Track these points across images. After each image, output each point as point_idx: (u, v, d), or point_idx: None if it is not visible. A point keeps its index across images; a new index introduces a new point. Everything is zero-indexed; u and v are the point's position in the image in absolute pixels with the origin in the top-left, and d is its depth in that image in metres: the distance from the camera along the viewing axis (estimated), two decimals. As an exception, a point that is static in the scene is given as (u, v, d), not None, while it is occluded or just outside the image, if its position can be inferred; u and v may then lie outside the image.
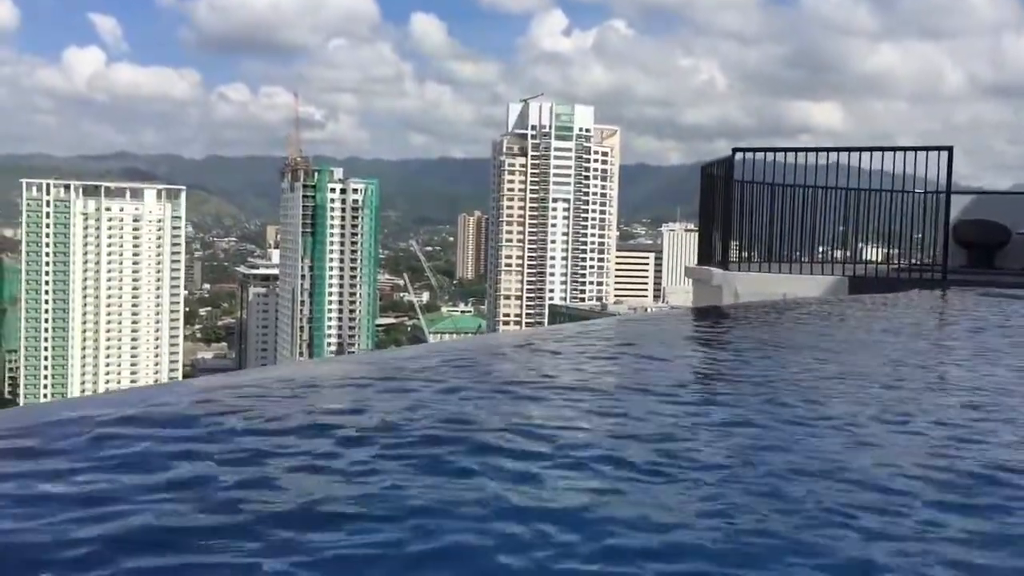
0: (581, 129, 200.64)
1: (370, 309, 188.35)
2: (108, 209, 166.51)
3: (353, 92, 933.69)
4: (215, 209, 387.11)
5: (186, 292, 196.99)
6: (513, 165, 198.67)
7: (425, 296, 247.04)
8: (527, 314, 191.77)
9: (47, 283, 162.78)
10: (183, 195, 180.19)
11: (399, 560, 2.44)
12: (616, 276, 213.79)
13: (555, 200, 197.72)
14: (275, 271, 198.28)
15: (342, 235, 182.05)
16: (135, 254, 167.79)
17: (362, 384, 4.72)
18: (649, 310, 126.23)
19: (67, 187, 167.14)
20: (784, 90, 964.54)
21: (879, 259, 15.36)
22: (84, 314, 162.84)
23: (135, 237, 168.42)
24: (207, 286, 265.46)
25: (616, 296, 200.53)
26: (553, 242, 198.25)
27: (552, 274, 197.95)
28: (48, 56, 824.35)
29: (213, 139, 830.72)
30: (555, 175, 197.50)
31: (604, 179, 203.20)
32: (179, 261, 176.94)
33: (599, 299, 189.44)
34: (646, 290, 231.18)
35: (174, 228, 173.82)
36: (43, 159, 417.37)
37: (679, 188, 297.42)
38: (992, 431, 4.20)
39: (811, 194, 14.03)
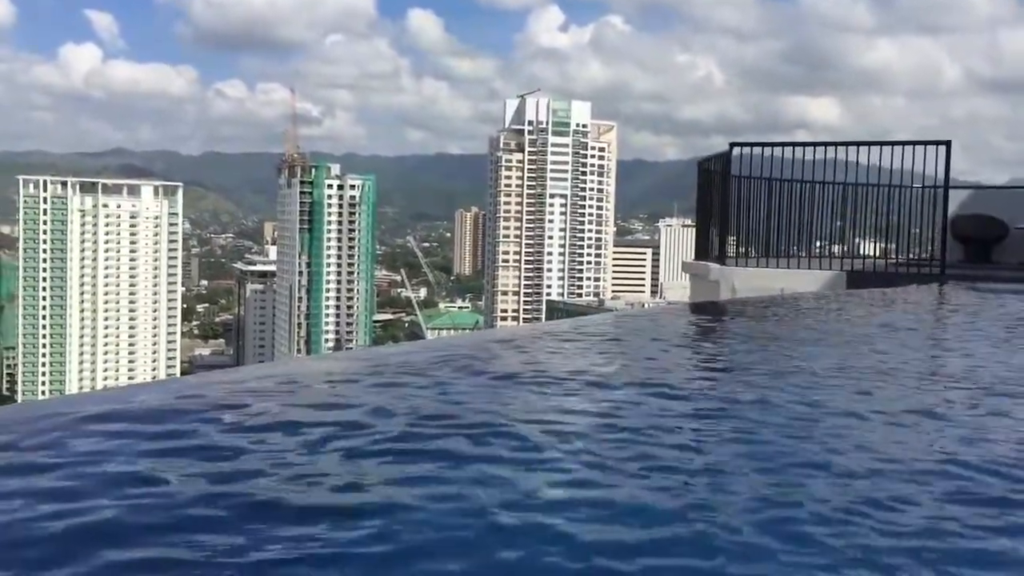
0: (578, 125, 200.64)
1: (367, 305, 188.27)
2: (105, 206, 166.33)
3: (350, 88, 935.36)
4: (212, 205, 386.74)
5: (183, 289, 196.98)
6: (510, 161, 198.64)
7: (423, 292, 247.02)
8: (524, 310, 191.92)
9: (44, 280, 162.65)
10: (180, 192, 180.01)
11: (376, 557, 2.42)
12: (613, 272, 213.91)
13: (552, 196, 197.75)
14: (272, 267, 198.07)
15: (339, 231, 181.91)
16: (132, 251, 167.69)
17: (351, 380, 4.66)
18: (646, 306, 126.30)
19: (64, 184, 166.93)
20: (781, 86, 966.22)
21: (877, 254, 15.31)
22: (82, 311, 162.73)
23: (132, 234, 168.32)
24: (204, 283, 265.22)
25: (613, 292, 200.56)
26: (550, 238, 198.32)
27: (549, 270, 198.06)
28: (45, 53, 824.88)
29: (210, 135, 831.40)
30: (552, 171, 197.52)
31: (601, 175, 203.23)
32: (176, 258, 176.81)
33: (596, 295, 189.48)
34: (643, 286, 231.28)
35: (171, 225, 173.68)
36: (40, 156, 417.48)
37: (676, 184, 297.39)
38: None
39: (808, 189, 13.99)
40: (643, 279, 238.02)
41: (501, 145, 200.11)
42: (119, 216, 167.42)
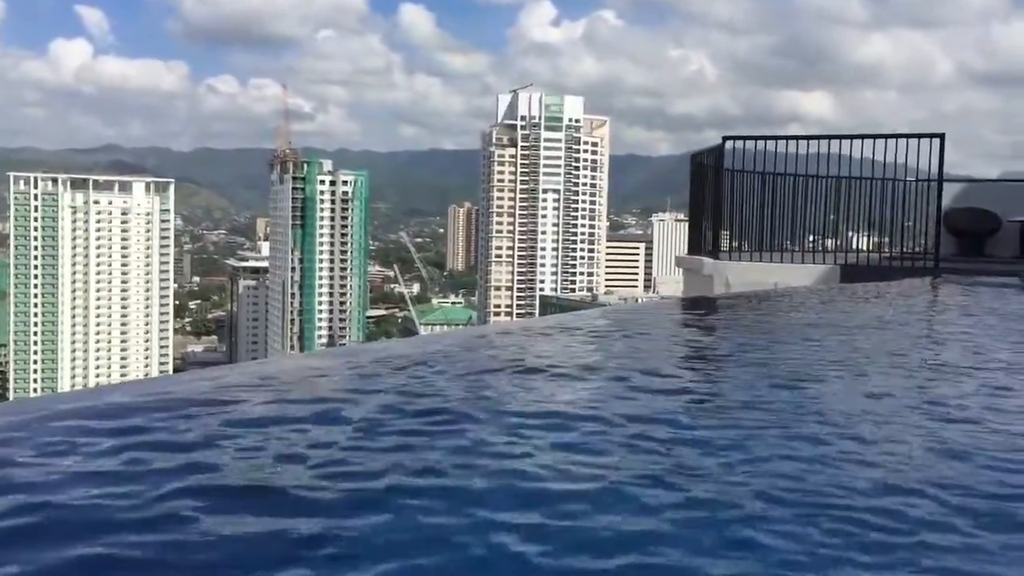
0: (571, 120, 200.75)
1: (361, 301, 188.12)
2: (96, 202, 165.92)
3: (342, 84, 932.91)
4: (204, 202, 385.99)
5: (176, 285, 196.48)
6: (503, 156, 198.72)
7: (416, 288, 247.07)
8: (518, 305, 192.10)
9: (36, 277, 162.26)
10: (172, 188, 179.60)
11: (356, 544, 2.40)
12: (607, 266, 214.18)
13: (545, 191, 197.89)
14: (265, 264, 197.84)
15: (332, 227, 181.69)
16: (124, 247, 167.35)
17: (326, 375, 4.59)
18: (640, 300, 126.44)
19: (55, 180, 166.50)
20: (774, 80, 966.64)
21: (870, 247, 15.26)
22: (73, 308, 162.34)
23: (124, 230, 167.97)
24: (197, 279, 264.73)
25: (607, 287, 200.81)
26: (543, 233, 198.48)
27: (543, 265, 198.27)
28: (35, 49, 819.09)
29: (202, 131, 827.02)
30: (545, 166, 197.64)
31: (594, 169, 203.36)
32: (168, 254, 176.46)
33: (590, 290, 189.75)
34: (637, 280, 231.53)
35: (163, 221, 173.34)
36: (30, 152, 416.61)
37: (669, 178, 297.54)
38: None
39: (802, 182, 13.92)
40: (636, 274, 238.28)
41: (494, 140, 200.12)
42: (111, 213, 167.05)
